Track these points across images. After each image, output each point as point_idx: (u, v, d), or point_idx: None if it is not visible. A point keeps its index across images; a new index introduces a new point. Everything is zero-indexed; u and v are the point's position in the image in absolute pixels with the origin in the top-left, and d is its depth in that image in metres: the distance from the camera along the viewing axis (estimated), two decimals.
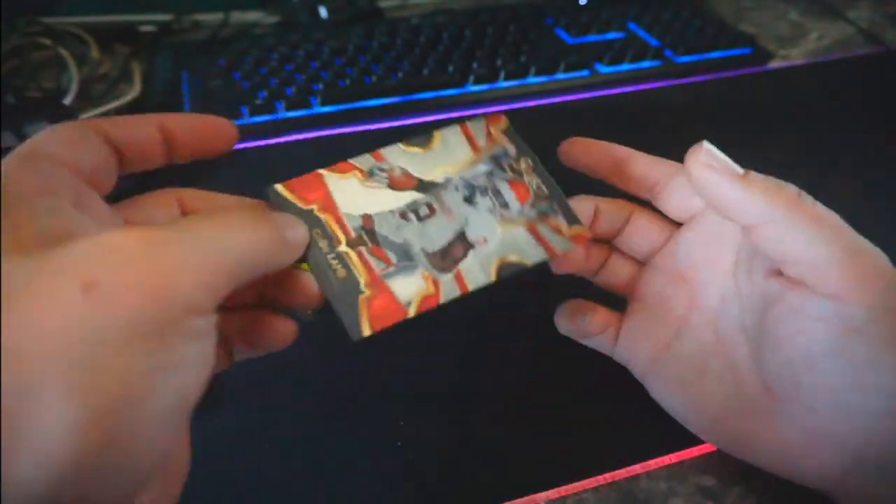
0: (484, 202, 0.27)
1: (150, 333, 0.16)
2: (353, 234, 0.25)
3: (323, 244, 0.25)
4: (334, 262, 0.25)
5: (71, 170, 0.19)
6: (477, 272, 0.26)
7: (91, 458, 0.15)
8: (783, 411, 0.25)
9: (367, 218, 0.26)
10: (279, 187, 0.25)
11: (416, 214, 0.26)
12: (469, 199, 0.27)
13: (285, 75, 0.54)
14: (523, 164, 0.28)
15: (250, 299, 0.25)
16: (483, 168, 0.27)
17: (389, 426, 0.30)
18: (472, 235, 0.26)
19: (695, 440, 0.29)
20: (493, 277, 0.25)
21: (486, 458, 0.28)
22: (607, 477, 0.28)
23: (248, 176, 0.45)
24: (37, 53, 0.59)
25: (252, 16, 0.68)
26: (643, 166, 0.28)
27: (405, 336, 0.34)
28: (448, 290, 0.25)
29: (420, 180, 0.27)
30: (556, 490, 0.27)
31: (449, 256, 0.26)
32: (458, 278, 0.25)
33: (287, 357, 0.33)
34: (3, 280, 0.15)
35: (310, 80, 0.54)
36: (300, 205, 0.25)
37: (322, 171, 0.26)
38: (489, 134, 0.28)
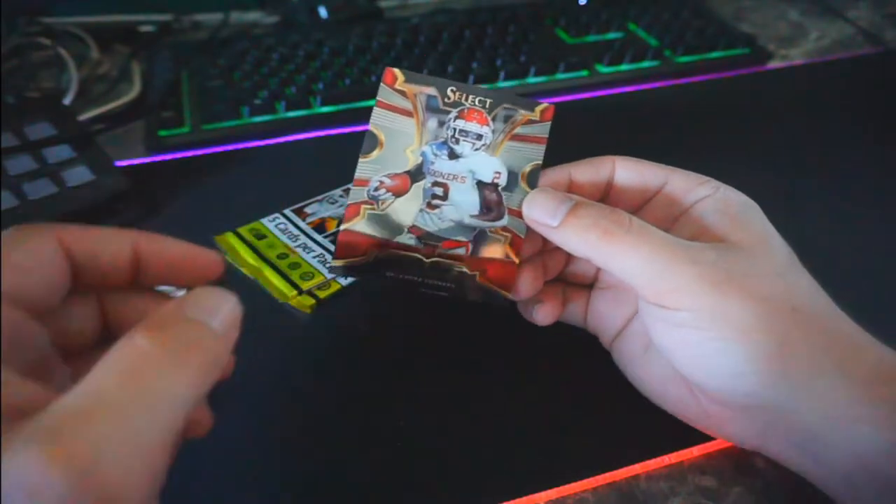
0: (464, 147, 0.28)
1: None
2: (422, 247, 0.28)
3: (412, 272, 0.28)
4: (435, 273, 0.28)
5: (30, 313, 0.17)
6: (520, 198, 0.28)
7: None
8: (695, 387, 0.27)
9: (413, 228, 0.28)
10: (336, 263, 0.27)
11: (438, 198, 0.28)
12: (452, 154, 0.28)
13: (285, 75, 0.54)
14: (451, 95, 0.29)
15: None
16: (432, 123, 0.28)
17: (389, 427, 0.30)
18: (486, 178, 0.28)
19: (695, 440, 0.29)
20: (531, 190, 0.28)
21: (487, 458, 0.28)
22: (607, 477, 0.28)
23: (249, 176, 0.45)
24: (37, 53, 0.59)
25: (252, 16, 0.68)
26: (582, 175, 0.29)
27: (405, 335, 0.34)
28: (518, 226, 0.28)
29: (408, 172, 0.28)
30: (556, 490, 0.27)
31: (492, 206, 0.28)
32: (514, 213, 0.28)
33: (286, 362, 0.33)
34: None
35: (310, 80, 0.54)
36: (365, 260, 0.27)
37: (344, 227, 0.28)
38: (401, 93, 0.28)
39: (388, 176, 0.28)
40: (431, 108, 0.28)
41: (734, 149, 0.48)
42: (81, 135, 0.42)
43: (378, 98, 0.28)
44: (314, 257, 0.37)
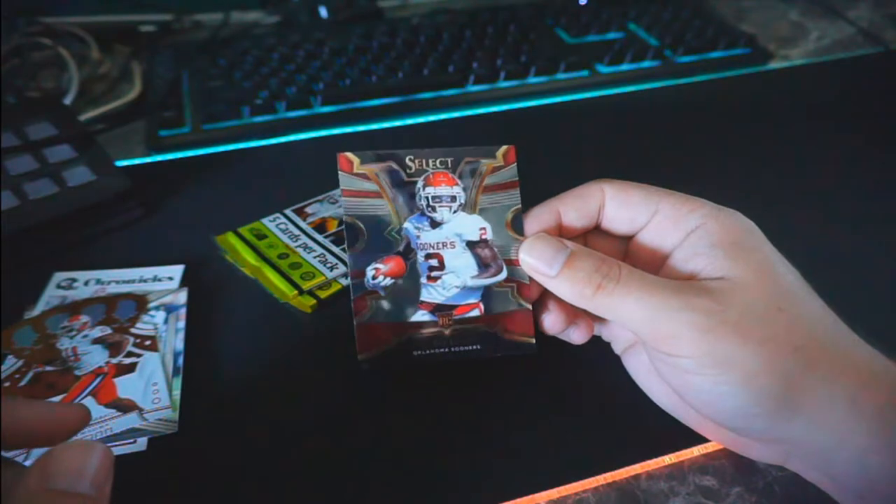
0: (442, 213, 0.28)
1: None
2: (439, 320, 0.28)
3: (437, 345, 0.28)
4: (459, 340, 0.28)
5: None
6: (512, 247, 0.28)
7: None
8: None
9: (423, 304, 0.28)
10: (362, 357, 0.27)
11: (435, 269, 0.28)
12: (434, 223, 0.28)
13: (286, 75, 0.54)
14: (412, 164, 0.28)
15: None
16: (402, 198, 0.28)
17: (389, 426, 0.30)
18: (473, 236, 0.28)
19: (695, 440, 0.29)
20: (520, 237, 0.28)
21: (486, 458, 0.28)
22: (607, 477, 0.28)
23: (249, 176, 0.46)
24: (37, 53, 0.59)
25: (252, 16, 0.68)
26: (574, 209, 0.28)
27: None
28: (519, 273, 0.28)
29: (399, 252, 0.28)
30: (556, 490, 0.27)
31: (489, 262, 0.28)
32: (510, 262, 0.28)
33: (287, 361, 0.33)
34: None
35: (310, 80, 0.54)
36: (388, 346, 0.27)
37: (356, 322, 0.27)
38: (362, 176, 0.28)
39: (382, 261, 0.28)
40: (397, 183, 0.28)
41: (734, 149, 0.48)
42: (82, 135, 0.42)
43: (342, 187, 0.28)
44: (315, 257, 0.37)
